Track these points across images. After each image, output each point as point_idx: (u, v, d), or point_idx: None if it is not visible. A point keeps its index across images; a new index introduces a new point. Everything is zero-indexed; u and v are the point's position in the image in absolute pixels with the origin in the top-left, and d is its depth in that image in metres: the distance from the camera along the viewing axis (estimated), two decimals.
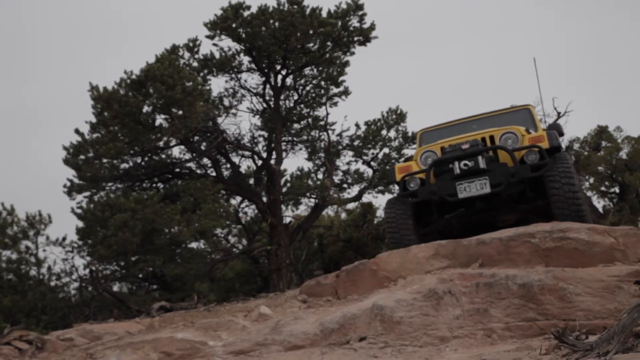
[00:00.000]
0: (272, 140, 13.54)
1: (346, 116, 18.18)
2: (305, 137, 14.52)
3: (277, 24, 12.45)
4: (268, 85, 13.74)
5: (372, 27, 13.09)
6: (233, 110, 13.69)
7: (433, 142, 7.89)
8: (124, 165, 12.43)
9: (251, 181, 13.88)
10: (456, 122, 8.19)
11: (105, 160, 12.04)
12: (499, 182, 6.60)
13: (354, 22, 13.01)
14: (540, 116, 8.25)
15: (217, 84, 36.46)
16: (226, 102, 13.71)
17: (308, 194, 14.43)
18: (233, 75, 13.65)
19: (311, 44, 12.96)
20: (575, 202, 6.37)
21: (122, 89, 11.70)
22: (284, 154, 13.89)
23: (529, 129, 7.50)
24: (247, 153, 13.77)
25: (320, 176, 14.60)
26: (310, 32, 12.46)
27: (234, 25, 12.54)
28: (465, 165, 6.65)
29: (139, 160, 12.57)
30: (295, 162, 49.26)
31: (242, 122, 30.66)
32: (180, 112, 11.64)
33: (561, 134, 7.71)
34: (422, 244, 7.24)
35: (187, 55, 13.29)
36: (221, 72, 13.50)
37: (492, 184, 6.62)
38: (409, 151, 14.26)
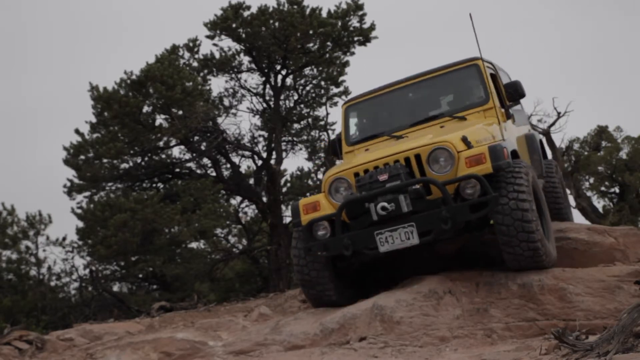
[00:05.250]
0: (272, 140, 13.52)
1: None
2: (305, 137, 14.51)
3: (277, 24, 12.44)
4: (268, 85, 13.72)
5: (372, 27, 13.07)
6: (233, 110, 13.67)
7: (362, 118, 6.52)
8: (124, 165, 12.45)
9: (251, 181, 13.87)
10: (388, 90, 6.57)
11: (105, 160, 12.06)
12: (429, 230, 5.05)
13: (354, 22, 12.99)
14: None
15: (217, 84, 36.36)
16: (226, 102, 13.69)
17: (308, 194, 14.42)
18: (233, 75, 13.63)
19: (311, 44, 12.94)
20: (531, 246, 4.97)
21: (122, 89, 11.73)
22: (284, 154, 13.86)
23: (479, 92, 6.06)
24: (247, 153, 13.76)
25: (320, 176, 14.59)
26: (310, 32, 12.44)
27: (234, 25, 12.54)
28: (383, 209, 5.03)
29: (139, 160, 12.59)
30: (295, 162, 49.10)
31: (242, 122, 30.52)
32: (180, 112, 11.65)
33: (521, 94, 6.11)
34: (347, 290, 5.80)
35: (187, 55, 13.28)
36: (221, 72, 13.48)
37: (421, 232, 5.04)
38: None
